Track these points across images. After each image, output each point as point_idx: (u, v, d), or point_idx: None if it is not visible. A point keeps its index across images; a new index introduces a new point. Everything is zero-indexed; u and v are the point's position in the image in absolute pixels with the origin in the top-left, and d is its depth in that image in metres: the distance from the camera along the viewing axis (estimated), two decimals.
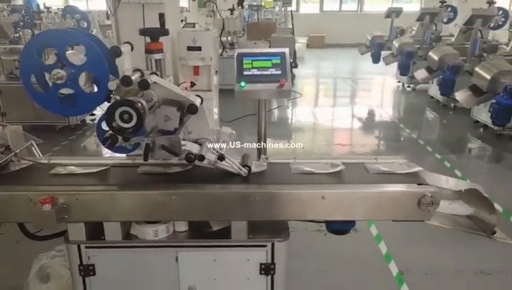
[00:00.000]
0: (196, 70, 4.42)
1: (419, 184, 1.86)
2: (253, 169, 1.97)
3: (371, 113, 7.95)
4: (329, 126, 7.05)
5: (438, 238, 3.17)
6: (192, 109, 1.83)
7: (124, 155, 2.21)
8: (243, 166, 1.95)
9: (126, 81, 1.75)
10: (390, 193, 1.83)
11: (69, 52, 1.81)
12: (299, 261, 2.90)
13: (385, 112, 8.00)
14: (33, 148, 2.20)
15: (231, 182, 1.88)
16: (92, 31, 10.24)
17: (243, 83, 2.16)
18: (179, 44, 4.38)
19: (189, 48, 4.32)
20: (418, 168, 2.00)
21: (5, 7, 8.26)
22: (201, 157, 1.84)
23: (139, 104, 1.70)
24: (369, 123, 7.49)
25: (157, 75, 1.97)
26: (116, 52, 1.76)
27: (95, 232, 1.88)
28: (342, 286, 2.90)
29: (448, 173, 4.72)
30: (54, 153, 5.18)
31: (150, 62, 2.28)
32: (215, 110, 5.00)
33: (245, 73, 2.18)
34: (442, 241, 3.19)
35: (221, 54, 8.04)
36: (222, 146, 2.08)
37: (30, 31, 7.28)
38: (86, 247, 1.88)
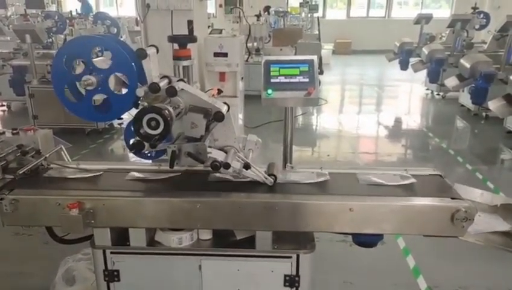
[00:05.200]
0: (222, 76, 4.45)
1: (452, 198, 1.78)
2: (285, 178, 1.94)
3: (398, 121, 7.78)
4: (355, 134, 6.94)
5: (469, 254, 3.04)
6: (218, 117, 1.81)
7: (149, 161, 2.22)
8: (269, 175, 1.91)
9: (154, 88, 1.76)
10: (421, 206, 1.76)
11: (95, 58, 1.84)
12: (324, 273, 2.83)
13: (413, 120, 7.82)
14: (62, 152, 2.23)
15: (256, 191, 1.85)
16: (121, 37, 10.48)
17: (270, 91, 2.13)
18: (206, 50, 4.41)
19: (216, 54, 4.35)
20: (411, 180, 1.93)
21: (39, 13, 8.56)
22: (227, 165, 1.82)
23: (167, 112, 1.70)
24: (396, 131, 7.33)
25: (184, 81, 1.97)
26: (142, 54, 1.77)
27: (121, 238, 1.89)
28: None
29: (479, 185, 4.57)
30: (82, 155, 5.29)
31: (178, 69, 2.29)
32: (240, 116, 5.01)
33: (272, 80, 2.15)
34: (474, 257, 3.05)
35: (246, 60, 8.05)
36: (248, 154, 2.06)
37: (62, 37, 7.51)
38: (111, 252, 1.88)
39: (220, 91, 2.10)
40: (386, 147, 6.44)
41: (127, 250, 1.88)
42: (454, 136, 7.10)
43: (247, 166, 1.86)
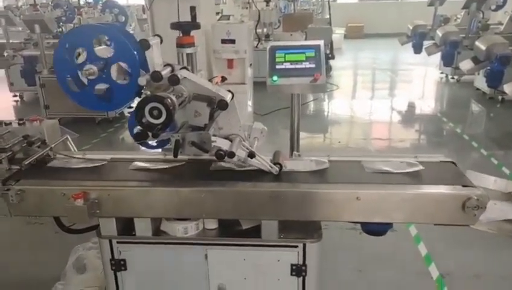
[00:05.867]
0: (230, 63, 4.39)
1: (464, 186, 1.73)
2: (293, 167, 1.91)
3: (412, 106, 7.63)
4: (367, 119, 6.84)
5: (482, 241, 2.96)
6: (222, 105, 1.78)
7: (159, 150, 2.20)
8: (274, 164, 1.88)
9: (156, 76, 1.73)
10: (432, 195, 1.71)
11: (97, 48, 1.81)
12: (333, 260, 2.81)
13: (427, 105, 7.67)
14: (68, 142, 2.23)
15: (262, 180, 1.82)
16: (130, 25, 10.46)
17: (275, 77, 2.09)
18: (213, 37, 4.36)
19: (223, 41, 4.29)
20: (419, 167, 1.86)
21: (49, 2, 8.56)
22: (232, 154, 1.79)
23: (169, 100, 1.67)
24: (410, 116, 7.19)
25: (187, 69, 1.94)
26: (145, 44, 1.74)
27: (127, 227, 1.89)
28: (377, 288, 2.79)
29: (495, 171, 4.47)
30: (93, 145, 5.32)
31: (181, 56, 2.25)
32: (249, 103, 4.96)
33: (277, 67, 2.11)
34: (488, 244, 2.99)
35: (256, 46, 7.96)
36: (253, 142, 2.03)
37: (72, 26, 7.52)
38: (118, 242, 1.89)
39: (224, 79, 2.06)
40: (399, 133, 6.34)
41: (133, 240, 1.88)
42: (469, 120, 6.95)
43: (252, 155, 1.83)
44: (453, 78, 8.92)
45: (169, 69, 1.90)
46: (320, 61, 2.09)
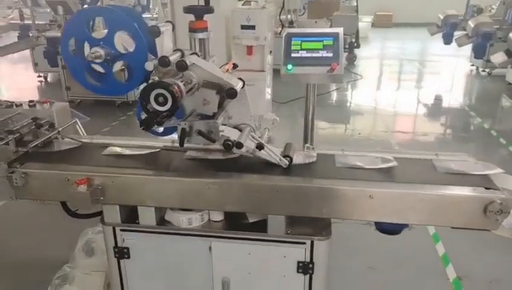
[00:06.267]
0: (249, 50, 4.30)
1: (487, 188, 1.61)
2: (299, 160, 1.82)
3: (438, 99, 7.37)
4: (391, 111, 6.64)
5: (504, 243, 2.80)
6: (231, 93, 1.70)
7: (172, 136, 2.15)
8: (284, 156, 1.80)
9: (163, 61, 1.67)
10: (450, 196, 1.60)
11: (119, 34, 1.76)
12: (344, 257, 2.73)
13: (454, 98, 7.39)
14: (77, 126, 2.21)
15: (271, 173, 1.75)
16: (154, 9, 10.43)
17: (289, 66, 1.99)
18: (233, 23, 4.27)
19: (243, 27, 4.20)
20: (497, 170, 1.73)
21: None
22: (240, 145, 1.72)
23: (175, 87, 1.61)
24: (436, 110, 6.95)
25: (198, 55, 1.86)
26: (155, 32, 1.67)
27: (131, 215, 1.85)
28: (390, 287, 2.69)
29: None
30: (111, 127, 5.35)
31: (194, 42, 2.18)
32: (268, 90, 4.86)
33: (293, 55, 2.01)
34: (509, 247, 2.84)
35: (279, 33, 7.80)
36: (264, 133, 1.95)
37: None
38: (121, 230, 1.85)
39: (235, 66, 1.97)
40: (423, 126, 6.13)
41: (137, 228, 1.84)
42: (499, 115, 6.66)
43: (260, 146, 1.75)
44: (483, 71, 8.56)
45: (178, 54, 1.83)
46: (338, 51, 1.98)
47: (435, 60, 10.49)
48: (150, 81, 1.73)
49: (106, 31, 1.77)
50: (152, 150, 1.97)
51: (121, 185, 1.75)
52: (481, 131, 5.68)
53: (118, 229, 1.86)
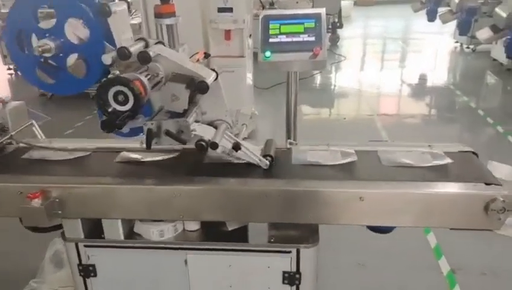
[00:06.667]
0: (227, 34, 4.05)
1: (487, 184, 1.45)
2: (285, 158, 1.64)
3: (423, 78, 7.25)
4: (376, 93, 6.49)
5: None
6: (201, 87, 1.50)
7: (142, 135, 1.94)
8: (265, 156, 1.61)
9: (123, 53, 1.46)
10: (448, 195, 1.44)
11: (71, 21, 1.53)
12: (332, 254, 2.57)
13: (439, 77, 7.27)
14: (34, 128, 1.98)
15: (250, 176, 1.56)
16: None
17: (268, 53, 1.79)
18: (209, 5, 4.00)
19: (220, 10, 3.94)
20: (447, 160, 1.60)
21: None
22: (214, 145, 1.53)
23: (137, 83, 1.40)
24: (421, 89, 6.82)
25: (163, 44, 1.64)
26: (104, 11, 1.45)
27: (96, 229, 1.65)
28: (381, 284, 2.55)
29: (507, 147, 4.15)
30: (85, 121, 5.07)
31: (160, 28, 1.95)
32: (249, 76, 4.63)
33: (271, 40, 1.80)
34: (503, 236, 2.72)
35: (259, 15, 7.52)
36: (241, 130, 1.76)
37: None
38: (85, 245, 1.65)
39: (207, 55, 1.76)
40: (409, 108, 6.00)
41: (102, 243, 1.64)
42: (484, 93, 6.56)
43: (237, 146, 1.56)
44: (468, 47, 8.44)
45: (141, 44, 1.62)
46: (321, 34, 1.79)
47: (418, 37, 10.34)
48: (110, 76, 1.51)
49: (55, 19, 1.54)
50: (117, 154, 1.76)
51: (81, 197, 1.54)
52: (467, 110, 5.57)
53: (81, 245, 1.66)
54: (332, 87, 7.06)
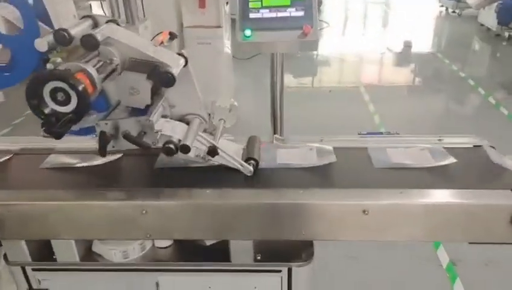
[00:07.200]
0: (202, 2, 3.64)
1: None
2: (271, 160, 1.37)
3: (407, 45, 6.97)
4: (360, 61, 6.21)
5: None
6: (165, 79, 1.19)
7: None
8: (248, 159, 1.33)
9: (61, 37, 1.14)
10: (466, 205, 1.20)
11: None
12: (322, 245, 2.35)
13: (424, 43, 7.01)
14: None
15: (230, 185, 1.28)
16: None
17: (248, 32, 1.47)
18: None
19: None
20: (449, 160, 1.35)
21: None
22: (185, 149, 1.24)
23: (82, 76, 1.10)
24: (405, 57, 6.56)
25: (116, 24, 1.31)
26: None
27: (46, 247, 1.37)
28: (375, 278, 2.37)
29: (503, 121, 3.97)
30: (26, 116, 4.53)
31: (116, 3, 1.61)
32: (228, 45, 4.26)
33: (251, 16, 1.48)
34: None
35: None
36: (219, 126, 1.47)
37: None
38: (33, 269, 1.38)
39: (173, 36, 1.44)
40: (393, 76, 5.76)
41: (54, 266, 1.37)
42: (473, 61, 6.35)
43: (213, 151, 1.27)
44: (454, 12, 8.17)
45: (87, 23, 1.29)
46: (311, 7, 1.48)
47: (402, 1, 9.98)
48: (48, 67, 1.18)
49: None
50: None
51: (23, 215, 1.25)
52: (454, 78, 5.36)
53: (28, 268, 1.38)
54: (315, 56, 6.74)
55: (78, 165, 1.40)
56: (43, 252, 1.37)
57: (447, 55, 6.12)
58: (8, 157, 1.46)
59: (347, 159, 1.40)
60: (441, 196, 1.23)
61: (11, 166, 1.44)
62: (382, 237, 1.27)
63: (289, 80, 5.36)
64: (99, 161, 1.42)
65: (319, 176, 1.32)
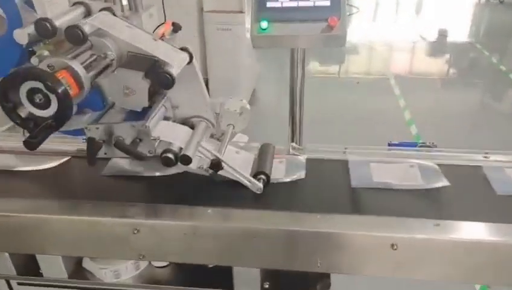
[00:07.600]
0: None
1: None
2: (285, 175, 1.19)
3: (442, 34, 6.55)
4: (389, 50, 5.87)
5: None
6: (162, 80, 1.03)
7: None
8: (257, 174, 1.15)
9: (43, 28, 0.99)
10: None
11: None
12: (340, 277, 2.15)
13: (461, 32, 6.58)
14: None
15: (236, 205, 1.11)
16: None
17: (264, 23, 1.28)
18: None
19: None
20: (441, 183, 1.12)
21: None
22: (187, 160, 1.08)
23: (63, 75, 0.95)
24: (439, 46, 6.17)
25: (112, 13, 1.14)
26: None
27: (33, 262, 1.24)
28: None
29: None
30: None
31: None
32: (248, 33, 4.06)
33: (269, 5, 1.28)
34: None
35: None
36: (227, 132, 1.29)
37: None
38: (19, 283, 1.26)
39: (176, 27, 1.25)
40: (425, 66, 5.42)
41: (41, 282, 1.24)
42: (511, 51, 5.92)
43: (217, 165, 1.10)
44: None
45: (78, 12, 1.13)
46: None
47: None
48: (33, 61, 1.03)
49: None
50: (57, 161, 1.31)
51: (6, 228, 1.12)
52: (493, 71, 5.00)
53: (13, 282, 1.26)
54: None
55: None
56: (29, 266, 1.24)
57: (486, 46, 5.71)
58: None
59: None
60: (487, 234, 1.02)
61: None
62: (408, 275, 1.08)
63: (314, 67, 5.12)
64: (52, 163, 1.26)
65: (341, 199, 1.13)
